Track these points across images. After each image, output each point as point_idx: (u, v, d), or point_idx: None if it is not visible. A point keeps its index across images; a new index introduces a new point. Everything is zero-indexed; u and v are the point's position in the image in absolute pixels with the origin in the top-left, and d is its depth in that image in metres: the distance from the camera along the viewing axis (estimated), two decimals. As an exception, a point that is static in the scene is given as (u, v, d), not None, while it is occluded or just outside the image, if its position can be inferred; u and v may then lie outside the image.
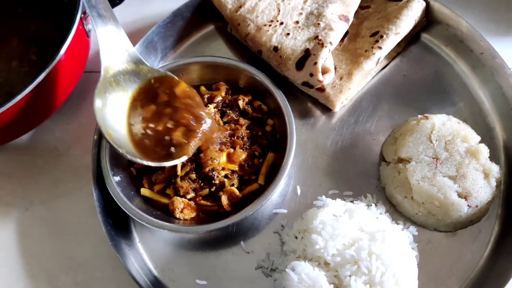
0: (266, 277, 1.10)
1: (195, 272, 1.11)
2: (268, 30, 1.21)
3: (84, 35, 1.17)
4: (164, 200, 1.12)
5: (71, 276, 1.14)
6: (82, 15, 1.14)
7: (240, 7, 1.25)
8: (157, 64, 1.31)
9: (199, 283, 1.10)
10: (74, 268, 1.15)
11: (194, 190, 1.10)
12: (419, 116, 1.15)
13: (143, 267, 1.11)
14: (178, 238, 1.15)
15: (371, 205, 1.12)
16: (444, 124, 1.12)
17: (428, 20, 1.27)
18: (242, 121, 1.14)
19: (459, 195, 1.06)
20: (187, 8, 1.30)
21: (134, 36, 1.17)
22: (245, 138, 1.14)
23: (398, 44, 1.24)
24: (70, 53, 1.11)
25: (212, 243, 1.14)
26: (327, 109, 1.24)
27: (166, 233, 1.15)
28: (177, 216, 1.09)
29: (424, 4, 1.22)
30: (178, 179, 1.10)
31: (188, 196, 1.10)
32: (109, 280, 1.13)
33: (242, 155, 1.11)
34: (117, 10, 1.17)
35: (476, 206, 1.06)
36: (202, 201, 1.11)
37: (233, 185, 1.11)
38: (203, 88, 1.22)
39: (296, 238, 1.09)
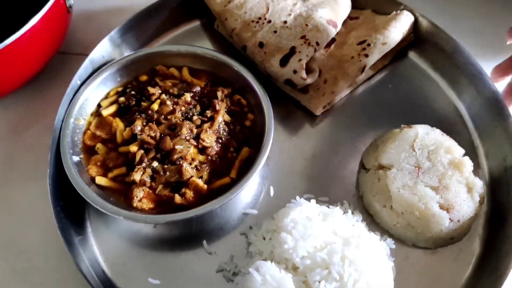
0: (227, 282, 1.00)
1: (149, 270, 1.01)
2: (255, 26, 1.19)
3: (64, 9, 1.12)
4: (123, 188, 1.02)
5: (9, 263, 1.02)
6: (65, -13, 1.10)
7: (229, 2, 1.23)
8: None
9: (152, 282, 1.00)
10: (15, 254, 1.03)
11: (154, 178, 1.02)
12: (402, 125, 1.11)
13: (92, 258, 1.01)
14: (135, 231, 1.05)
15: (348, 212, 1.04)
16: (427, 134, 1.08)
17: (415, 36, 1.26)
18: (219, 106, 1.08)
19: (441, 207, 1.00)
20: (175, -1, 1.27)
21: (115, 18, 1.13)
22: (221, 130, 1.08)
23: (385, 57, 1.22)
24: (45, 24, 1.05)
25: (172, 240, 1.05)
26: (308, 113, 1.19)
27: (122, 224, 1.05)
28: (135, 205, 0.99)
29: (412, 18, 1.22)
30: (135, 174, 1.01)
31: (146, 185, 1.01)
32: (51, 270, 1.01)
33: (212, 137, 1.04)
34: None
35: (458, 220, 1.00)
36: (163, 191, 1.01)
37: (201, 177, 1.03)
38: (185, 71, 1.17)
39: (264, 239, 1.00)
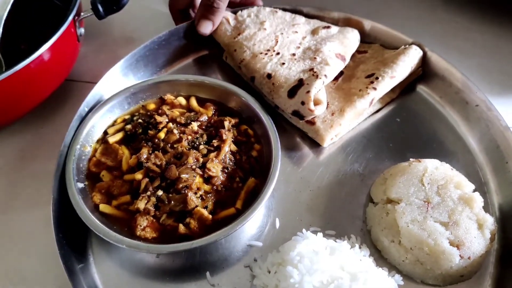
0: (230, 316, 0.97)
1: (150, 301, 0.98)
2: (263, 58, 1.20)
3: (74, 38, 1.14)
4: (126, 216, 1.01)
5: (8, 290, 0.99)
6: (76, 17, 1.12)
7: (239, 34, 1.25)
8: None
9: (153, 314, 0.97)
10: (14, 282, 1.01)
11: (158, 207, 1.00)
12: (411, 159, 1.10)
13: (92, 287, 0.98)
14: (137, 260, 1.03)
15: (355, 246, 1.02)
16: (437, 169, 1.07)
17: (424, 71, 1.26)
18: (225, 136, 1.08)
19: (451, 243, 0.97)
20: (184, 29, 1.29)
21: (124, 48, 1.14)
22: (227, 160, 1.06)
23: (393, 91, 1.23)
24: (55, 51, 1.07)
25: (174, 270, 1.02)
26: (315, 145, 1.18)
27: (124, 253, 1.03)
28: (138, 233, 0.97)
29: (421, 52, 1.22)
30: (139, 203, 0.99)
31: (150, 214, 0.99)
32: (50, 299, 0.99)
33: (218, 167, 1.03)
34: (115, 17, 1.16)
35: (469, 257, 0.97)
36: (167, 221, 0.99)
37: (206, 207, 1.01)
38: (193, 101, 1.17)
39: (269, 272, 0.98)
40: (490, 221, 1.01)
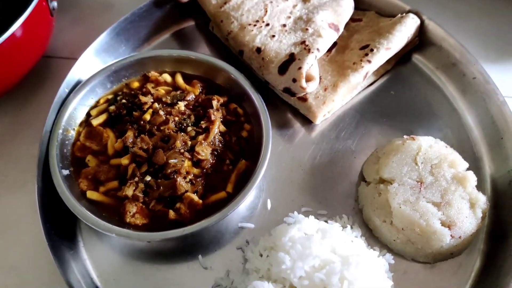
0: (223, 299, 0.98)
1: (143, 285, 0.99)
2: (252, 30, 1.13)
3: (47, 13, 1.06)
4: (115, 203, 0.99)
5: (0, 279, 0.99)
6: (47, -11, 1.04)
7: (225, 3, 1.17)
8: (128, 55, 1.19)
9: (146, 298, 0.97)
10: (5, 270, 1.00)
11: (147, 193, 0.98)
12: (405, 136, 1.07)
13: (85, 275, 0.98)
14: (128, 245, 1.02)
15: (347, 227, 1.01)
16: (431, 147, 1.04)
17: (420, 40, 1.21)
18: (214, 117, 1.04)
19: (443, 224, 0.97)
20: (167, -1, 1.21)
21: (102, 19, 1.06)
22: (217, 142, 1.03)
23: (388, 62, 1.18)
24: (28, 29, 1.00)
25: (166, 254, 1.02)
26: (307, 122, 1.15)
27: (115, 238, 1.02)
28: (128, 220, 0.96)
29: (418, 21, 1.17)
30: (127, 189, 0.97)
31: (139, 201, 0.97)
32: (43, 285, 0.98)
33: (208, 149, 1.00)
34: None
35: (460, 237, 0.97)
36: (157, 206, 0.98)
37: (196, 192, 0.99)
38: (178, 78, 1.12)
39: (261, 256, 0.98)
40: (482, 200, 1.00)
